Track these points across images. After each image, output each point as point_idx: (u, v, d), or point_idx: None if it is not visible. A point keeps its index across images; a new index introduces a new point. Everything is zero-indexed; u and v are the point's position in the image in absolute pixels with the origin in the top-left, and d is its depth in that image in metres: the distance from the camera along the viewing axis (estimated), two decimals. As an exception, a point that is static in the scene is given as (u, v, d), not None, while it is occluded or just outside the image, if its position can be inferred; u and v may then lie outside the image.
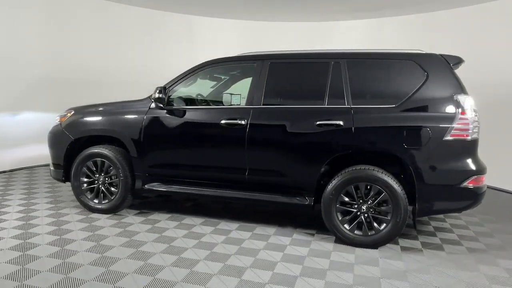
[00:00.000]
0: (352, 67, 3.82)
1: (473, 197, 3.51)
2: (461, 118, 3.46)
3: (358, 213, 3.70)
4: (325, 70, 3.88)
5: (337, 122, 3.70)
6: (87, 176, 4.47)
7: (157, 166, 4.27)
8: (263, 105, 3.95)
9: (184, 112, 4.19)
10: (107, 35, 7.88)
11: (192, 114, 4.21)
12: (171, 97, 4.24)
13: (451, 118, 3.47)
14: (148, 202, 5.05)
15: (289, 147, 3.85)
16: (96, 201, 4.46)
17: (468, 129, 3.46)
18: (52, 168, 4.66)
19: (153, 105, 4.25)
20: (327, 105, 3.81)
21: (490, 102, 6.25)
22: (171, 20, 8.60)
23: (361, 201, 3.68)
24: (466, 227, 4.42)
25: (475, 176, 3.47)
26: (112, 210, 4.43)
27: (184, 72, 4.30)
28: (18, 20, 6.68)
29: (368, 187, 3.66)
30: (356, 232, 3.72)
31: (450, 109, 3.51)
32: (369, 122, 3.65)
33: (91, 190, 4.48)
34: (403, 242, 3.86)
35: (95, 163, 4.42)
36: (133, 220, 4.25)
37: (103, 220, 4.21)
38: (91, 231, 3.88)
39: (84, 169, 4.44)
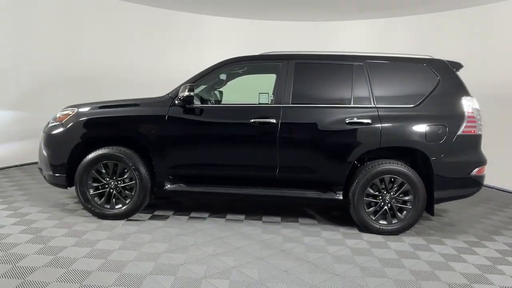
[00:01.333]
0: (373, 69, 4.13)
1: (479, 184, 4.08)
2: (469, 117, 3.99)
3: (382, 204, 4.04)
4: (349, 71, 4.12)
5: (366, 120, 3.98)
6: (96, 180, 4.10)
7: (181, 166, 4.11)
8: (292, 104, 4.06)
9: (211, 110, 4.09)
10: (114, 33, 7.95)
11: (220, 113, 4.14)
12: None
13: (461, 116, 3.98)
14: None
15: (320, 145, 4.02)
16: (107, 206, 4.12)
17: (475, 126, 4.00)
18: (49, 172, 4.16)
19: (175, 102, 4.06)
20: (353, 104, 4.07)
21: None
22: (177, 19, 8.62)
23: (385, 192, 4.02)
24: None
25: (481, 166, 4.04)
26: (126, 215, 4.14)
27: (207, 70, 4.19)
28: (32, 19, 6.81)
29: (392, 179, 4.01)
30: (381, 221, 4.05)
31: (460, 108, 4.01)
32: (394, 120, 3.99)
33: (100, 195, 4.12)
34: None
35: (105, 166, 4.08)
36: (151, 225, 4.04)
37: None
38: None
39: (93, 172, 4.06)
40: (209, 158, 4.11)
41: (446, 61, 4.20)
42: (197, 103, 4.17)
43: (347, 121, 3.99)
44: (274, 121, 3.98)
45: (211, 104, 4.50)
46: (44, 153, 4.18)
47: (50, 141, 4.14)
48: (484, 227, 4.47)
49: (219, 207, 4.75)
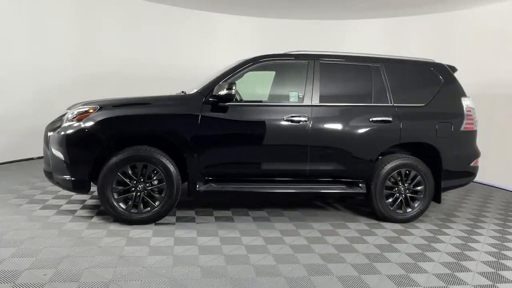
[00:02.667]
0: (388, 71, 4.45)
1: (474, 174, 4.67)
2: (468, 114, 4.53)
3: (398, 194, 4.40)
4: (369, 72, 4.40)
5: (388, 118, 4.29)
6: (121, 183, 3.81)
7: (215, 166, 4.01)
8: (320, 103, 4.20)
9: (245, 108, 4.06)
10: (127, 30, 8.01)
11: (255, 111, 4.11)
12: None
13: (462, 114, 4.51)
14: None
15: (348, 142, 4.24)
16: (134, 210, 3.85)
17: (473, 123, 4.56)
18: (66, 176, 3.74)
19: (207, 101, 3.94)
20: (374, 103, 4.35)
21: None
22: (191, 17, 8.67)
23: (400, 183, 4.39)
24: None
25: (476, 159, 4.62)
26: (155, 219, 3.92)
27: (236, 67, 4.13)
28: (48, 18, 6.91)
29: (407, 172, 4.39)
30: (397, 211, 4.41)
31: (460, 107, 4.53)
32: (411, 118, 4.36)
33: (124, 199, 3.84)
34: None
35: (132, 168, 3.81)
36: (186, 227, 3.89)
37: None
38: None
39: (119, 175, 3.77)
40: (244, 156, 4.09)
41: (446, 65, 4.70)
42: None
43: (370, 119, 4.26)
44: (305, 119, 4.10)
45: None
46: (59, 155, 3.75)
47: (68, 142, 3.72)
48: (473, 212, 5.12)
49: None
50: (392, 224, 4.36)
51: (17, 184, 5.24)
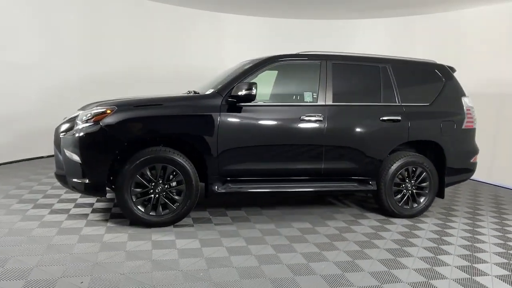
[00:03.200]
0: (395, 71, 4.59)
1: (473, 170, 4.90)
2: (468, 113, 4.76)
3: (405, 191, 4.57)
4: (377, 72, 4.52)
5: (397, 117, 4.43)
6: (139, 185, 3.73)
7: (234, 166, 3.99)
8: (333, 102, 4.28)
9: (262, 108, 4.07)
10: (138, 32, 8.04)
11: (273, 110, 4.13)
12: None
13: (463, 113, 4.72)
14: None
15: (361, 140, 4.35)
16: (153, 213, 3.78)
17: (472, 121, 4.79)
18: (82, 180, 3.61)
19: (225, 101, 3.92)
20: (383, 103, 4.48)
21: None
22: (199, 18, 8.73)
23: (407, 180, 4.55)
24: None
25: (476, 155, 4.86)
26: (174, 221, 3.86)
27: (252, 67, 4.13)
28: (58, 20, 6.97)
29: (414, 169, 4.56)
30: (405, 206, 4.57)
31: (461, 106, 4.75)
32: (417, 117, 4.53)
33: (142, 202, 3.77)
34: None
35: (151, 169, 3.74)
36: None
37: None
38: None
39: (138, 177, 3.69)
40: (262, 156, 4.11)
41: (447, 66, 4.90)
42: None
43: (381, 118, 4.39)
44: (321, 119, 4.17)
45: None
46: (75, 158, 3.62)
47: (86, 143, 3.60)
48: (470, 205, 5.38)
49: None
50: (401, 219, 4.51)
51: (15, 187, 5.00)
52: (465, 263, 3.40)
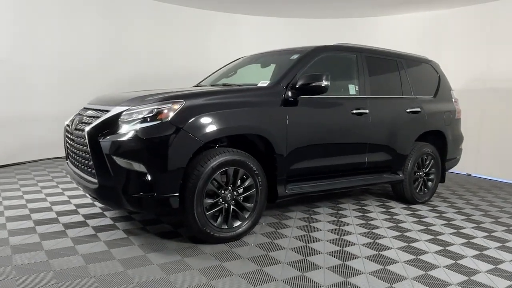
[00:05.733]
0: (407, 65, 4.83)
1: (460, 156, 5.49)
2: (456, 105, 5.31)
3: (420, 179, 4.87)
4: (396, 66, 4.69)
5: (418, 109, 4.67)
6: (211, 195, 3.11)
7: (299, 165, 3.64)
8: (371, 95, 4.27)
9: (319, 101, 3.79)
10: (156, 34, 7.93)
11: (330, 104, 3.89)
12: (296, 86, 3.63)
13: (455, 104, 5.26)
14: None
15: (394, 132, 4.45)
16: (225, 226, 3.19)
17: (460, 112, 5.36)
18: (144, 194, 2.81)
19: (289, 93, 3.53)
20: (404, 95, 4.67)
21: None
22: (215, 19, 8.54)
23: (421, 169, 4.86)
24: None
25: (463, 141, 5.46)
26: (245, 233, 3.33)
27: (300, 59, 3.81)
28: (78, 21, 6.94)
29: (426, 157, 4.88)
30: (420, 193, 4.87)
31: (452, 99, 5.28)
32: (430, 108, 4.85)
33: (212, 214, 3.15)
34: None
35: (223, 175, 3.15)
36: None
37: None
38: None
39: (210, 185, 3.06)
40: (326, 152, 3.88)
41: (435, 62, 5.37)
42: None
43: (407, 110, 4.57)
44: (367, 111, 4.12)
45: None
46: (136, 167, 2.80)
47: (155, 147, 2.81)
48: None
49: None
50: (418, 205, 4.78)
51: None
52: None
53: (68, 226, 3.47)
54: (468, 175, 7.19)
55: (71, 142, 3.52)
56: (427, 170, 4.91)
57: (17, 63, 6.22)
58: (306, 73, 3.60)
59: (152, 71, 7.76)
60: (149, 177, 2.82)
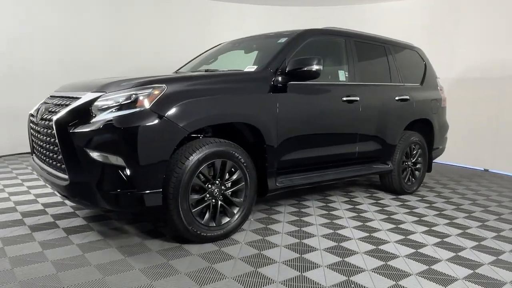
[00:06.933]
0: (394, 51, 4.67)
1: (445, 146, 5.41)
2: (441, 93, 5.22)
3: (408, 169, 4.75)
4: (384, 52, 4.52)
5: (407, 97, 4.53)
6: (197, 190, 2.83)
7: (292, 156, 3.41)
8: (361, 81, 4.08)
9: (310, 87, 3.56)
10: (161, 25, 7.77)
11: (321, 91, 3.66)
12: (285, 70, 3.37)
13: (440, 92, 5.16)
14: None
15: (384, 120, 4.28)
16: (213, 224, 2.92)
17: (445, 100, 5.27)
18: (122, 190, 2.50)
19: (278, 79, 3.27)
20: (392, 82, 4.51)
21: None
22: (222, 9, 8.37)
23: (410, 158, 4.74)
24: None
25: (448, 130, 5.38)
26: (235, 229, 3.07)
27: (288, 43, 3.55)
28: (80, 15, 6.85)
29: (414, 146, 4.76)
30: (408, 183, 4.75)
31: (438, 87, 5.18)
32: (418, 96, 4.71)
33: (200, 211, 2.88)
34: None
35: (210, 168, 2.87)
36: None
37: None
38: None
39: (196, 179, 2.78)
40: (317, 142, 3.67)
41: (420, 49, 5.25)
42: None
43: (396, 98, 4.41)
44: (358, 99, 3.93)
45: None
46: (113, 160, 2.48)
47: (134, 137, 2.48)
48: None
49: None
50: (407, 196, 4.67)
51: None
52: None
53: (35, 228, 3.10)
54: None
55: (36, 134, 3.14)
56: (415, 159, 4.81)
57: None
58: (295, 57, 3.35)
59: (156, 64, 7.44)
60: (127, 172, 2.51)
